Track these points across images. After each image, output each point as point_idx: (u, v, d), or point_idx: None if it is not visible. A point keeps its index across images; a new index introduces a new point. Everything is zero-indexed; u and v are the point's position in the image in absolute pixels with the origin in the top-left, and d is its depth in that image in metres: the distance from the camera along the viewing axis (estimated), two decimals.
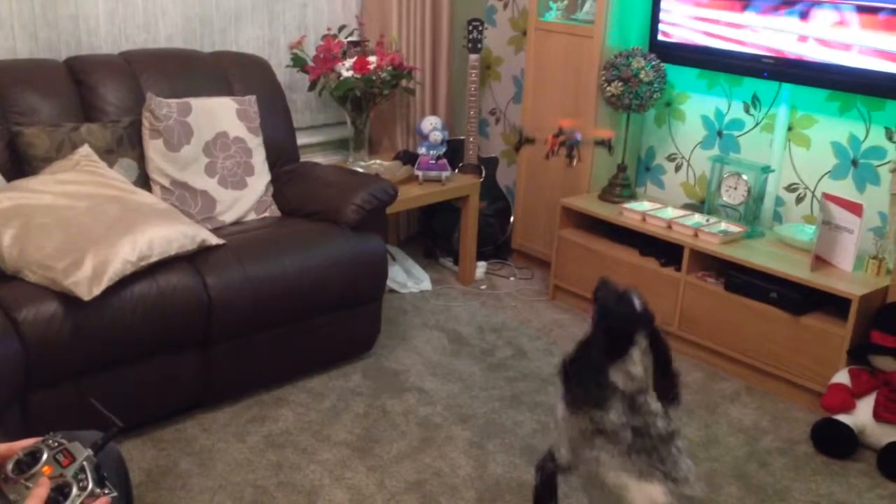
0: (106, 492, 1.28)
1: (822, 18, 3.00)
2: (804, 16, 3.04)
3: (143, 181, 2.89)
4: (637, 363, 1.78)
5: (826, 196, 3.03)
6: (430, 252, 4.23)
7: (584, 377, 1.80)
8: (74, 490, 1.25)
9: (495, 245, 4.17)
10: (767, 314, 3.01)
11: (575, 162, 3.54)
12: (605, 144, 3.43)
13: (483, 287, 3.93)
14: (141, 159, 2.91)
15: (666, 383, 1.81)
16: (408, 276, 3.90)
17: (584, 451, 1.84)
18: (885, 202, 3.03)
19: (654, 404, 1.80)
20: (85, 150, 2.74)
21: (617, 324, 1.80)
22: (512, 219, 4.16)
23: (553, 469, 1.95)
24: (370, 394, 2.94)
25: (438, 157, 3.75)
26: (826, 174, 3.27)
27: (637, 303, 1.83)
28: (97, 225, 2.43)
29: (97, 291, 2.30)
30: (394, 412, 2.84)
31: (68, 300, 2.30)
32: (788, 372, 2.99)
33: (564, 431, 1.89)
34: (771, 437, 2.79)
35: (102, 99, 2.97)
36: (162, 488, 2.39)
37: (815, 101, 3.24)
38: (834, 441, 2.68)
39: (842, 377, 2.77)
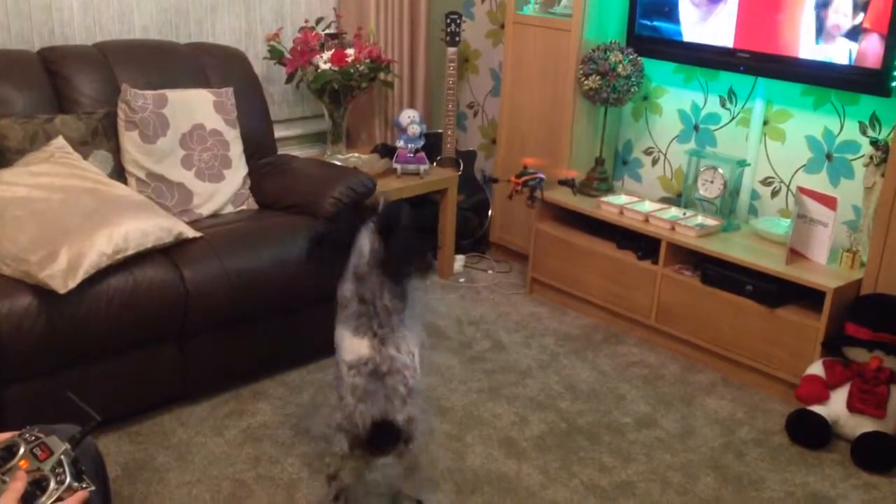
0: (84, 486, 1.28)
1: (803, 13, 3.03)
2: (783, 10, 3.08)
3: (119, 173, 2.86)
4: (364, 244, 2.06)
5: (801, 190, 3.07)
6: None
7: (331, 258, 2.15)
8: (52, 484, 1.24)
9: (473, 238, 4.17)
10: (743, 307, 3.03)
11: (536, 204, 3.54)
12: (570, 184, 3.42)
13: (461, 280, 3.93)
14: (116, 151, 2.88)
15: (389, 267, 2.05)
16: None
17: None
18: (859, 196, 3.07)
19: (384, 285, 2.05)
20: (59, 141, 2.71)
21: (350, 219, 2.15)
22: (490, 212, 4.17)
23: None
24: None
25: (416, 151, 3.75)
26: (801, 168, 3.30)
27: (381, 203, 2.14)
28: (72, 217, 2.40)
29: (72, 285, 2.27)
30: None
31: (43, 293, 2.27)
32: (764, 364, 3.02)
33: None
34: (746, 428, 2.82)
35: (77, 90, 2.93)
36: (139, 482, 2.37)
37: (791, 95, 3.27)
38: (808, 432, 2.71)
39: (816, 369, 2.80)
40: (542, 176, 3.49)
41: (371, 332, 2.02)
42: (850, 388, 2.71)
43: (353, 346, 2.03)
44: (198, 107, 3.02)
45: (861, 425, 2.67)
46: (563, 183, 3.47)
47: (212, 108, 3.05)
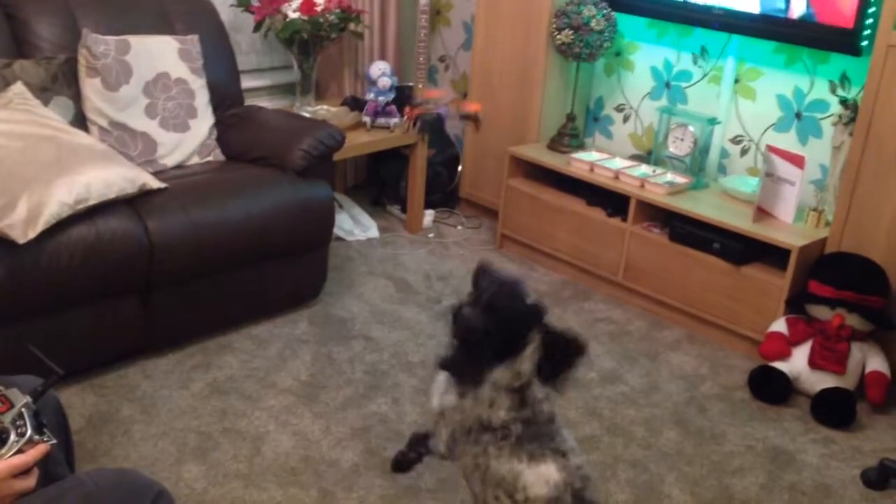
0: (45, 439, 1.27)
1: None
2: None
3: (80, 121, 2.79)
4: (528, 360, 1.64)
5: (769, 148, 3.08)
6: (378, 200, 4.20)
7: (467, 377, 1.70)
8: (12, 436, 1.23)
9: (443, 193, 4.15)
10: (710, 264, 3.06)
11: (425, 138, 3.50)
12: (472, 118, 3.35)
13: (430, 235, 3.92)
14: (77, 98, 2.80)
15: (555, 374, 1.66)
16: (355, 224, 3.87)
17: (466, 445, 1.75)
18: (826, 155, 3.09)
19: (540, 391, 1.71)
20: (18, 87, 2.63)
21: (512, 324, 1.63)
22: (460, 167, 4.14)
23: (423, 454, 1.91)
24: (316, 341, 2.93)
25: (387, 104, 3.70)
26: (770, 127, 3.31)
27: (530, 296, 1.67)
28: (32, 166, 2.34)
29: (32, 235, 2.23)
30: (340, 359, 2.83)
31: (2, 244, 2.23)
32: (729, 321, 3.06)
33: (445, 423, 1.80)
34: (710, 383, 2.87)
35: (36, 35, 2.84)
36: (103, 434, 2.36)
37: (762, 53, 3.27)
38: (770, 387, 2.76)
39: (779, 326, 2.85)
40: (443, 110, 3.43)
41: (550, 452, 1.68)
42: (812, 344, 2.75)
43: (539, 474, 1.66)
44: (162, 54, 2.94)
45: (821, 381, 2.72)
46: (464, 117, 3.40)
47: (177, 55, 2.98)
